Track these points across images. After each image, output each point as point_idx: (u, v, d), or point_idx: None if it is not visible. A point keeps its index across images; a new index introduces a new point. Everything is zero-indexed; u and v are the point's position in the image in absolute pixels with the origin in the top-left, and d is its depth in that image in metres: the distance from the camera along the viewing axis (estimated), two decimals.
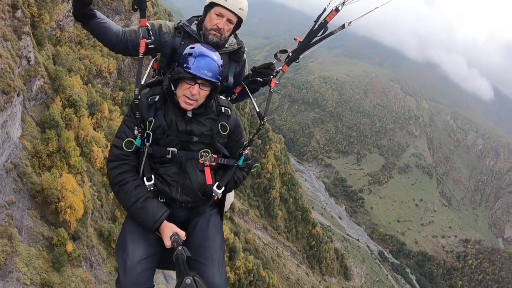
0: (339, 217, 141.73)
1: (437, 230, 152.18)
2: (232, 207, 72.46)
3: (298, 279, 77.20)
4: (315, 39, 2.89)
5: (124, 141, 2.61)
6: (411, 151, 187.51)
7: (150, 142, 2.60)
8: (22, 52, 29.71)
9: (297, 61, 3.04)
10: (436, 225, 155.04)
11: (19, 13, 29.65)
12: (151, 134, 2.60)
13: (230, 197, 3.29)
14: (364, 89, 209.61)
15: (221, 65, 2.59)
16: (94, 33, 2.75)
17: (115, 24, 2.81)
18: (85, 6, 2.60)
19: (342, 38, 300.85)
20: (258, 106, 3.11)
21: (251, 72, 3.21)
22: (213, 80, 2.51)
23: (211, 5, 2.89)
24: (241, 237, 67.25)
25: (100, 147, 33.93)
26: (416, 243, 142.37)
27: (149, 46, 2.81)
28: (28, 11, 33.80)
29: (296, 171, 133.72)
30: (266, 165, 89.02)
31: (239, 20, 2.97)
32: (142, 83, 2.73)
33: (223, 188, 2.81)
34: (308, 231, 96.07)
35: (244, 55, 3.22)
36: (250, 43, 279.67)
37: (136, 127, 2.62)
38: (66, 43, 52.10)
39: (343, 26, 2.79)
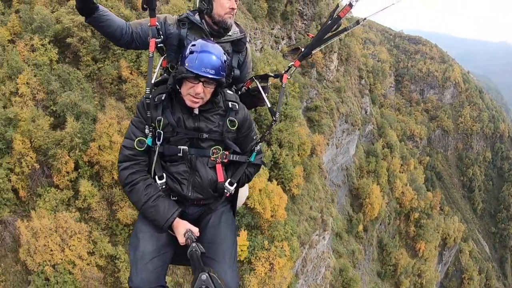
0: None
1: None
2: None
3: None
4: (328, 34, 2.84)
5: (134, 141, 2.60)
6: None
7: (161, 140, 2.59)
8: (362, 105, 47.28)
9: (310, 56, 3.01)
10: None
11: (363, 81, 48.91)
12: (162, 133, 2.59)
13: (244, 192, 3.29)
14: None
15: (224, 60, 2.53)
16: (98, 26, 2.68)
17: (118, 18, 2.77)
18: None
19: None
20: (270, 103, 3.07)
21: (244, 89, 3.19)
22: (216, 77, 2.45)
23: None
24: None
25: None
26: None
27: (158, 45, 2.80)
28: (368, 80, 55.44)
29: None
30: None
31: None
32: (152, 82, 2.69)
33: (235, 184, 2.82)
34: None
35: (246, 44, 3.15)
36: None
37: (147, 126, 2.60)
38: (387, 107, 69.35)
39: (357, 22, 2.83)
